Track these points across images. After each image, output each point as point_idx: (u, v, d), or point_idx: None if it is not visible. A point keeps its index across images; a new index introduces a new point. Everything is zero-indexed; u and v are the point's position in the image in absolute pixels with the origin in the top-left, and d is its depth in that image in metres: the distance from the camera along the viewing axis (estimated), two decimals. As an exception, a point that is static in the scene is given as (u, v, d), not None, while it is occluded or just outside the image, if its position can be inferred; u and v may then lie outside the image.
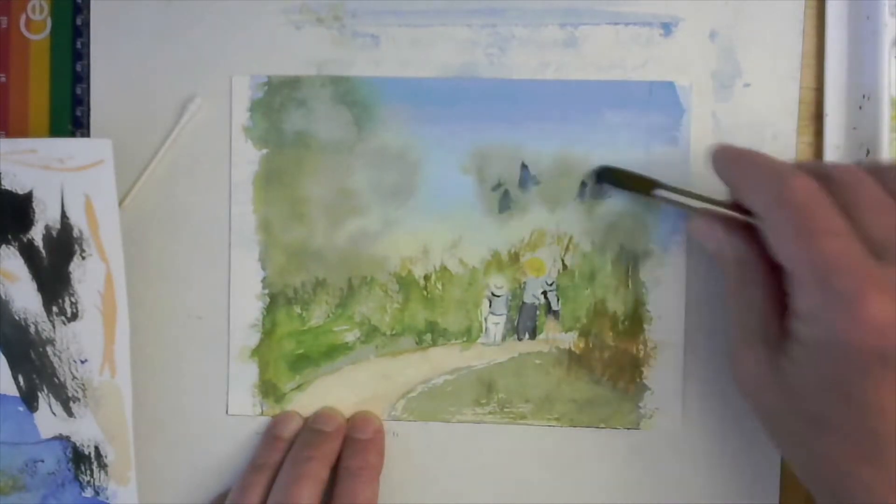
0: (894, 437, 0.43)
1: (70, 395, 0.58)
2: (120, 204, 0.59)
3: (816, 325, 0.44)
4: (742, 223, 0.51)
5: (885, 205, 0.46)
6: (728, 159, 0.51)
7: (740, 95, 0.58)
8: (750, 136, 0.58)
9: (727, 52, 0.58)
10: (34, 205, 0.58)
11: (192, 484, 0.60)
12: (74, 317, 0.58)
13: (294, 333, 0.60)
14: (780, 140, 0.58)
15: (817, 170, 0.48)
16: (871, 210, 0.46)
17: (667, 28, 0.58)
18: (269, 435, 0.59)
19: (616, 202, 0.58)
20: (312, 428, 0.59)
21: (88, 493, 0.59)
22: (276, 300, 0.60)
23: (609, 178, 0.58)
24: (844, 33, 0.57)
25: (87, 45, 0.59)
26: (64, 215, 0.58)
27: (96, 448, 0.59)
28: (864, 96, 0.56)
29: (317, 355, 0.60)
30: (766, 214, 0.47)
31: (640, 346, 0.58)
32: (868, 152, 0.56)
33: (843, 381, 0.44)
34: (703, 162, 0.56)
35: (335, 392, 0.60)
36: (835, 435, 0.45)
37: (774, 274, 0.49)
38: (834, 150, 0.57)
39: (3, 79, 0.60)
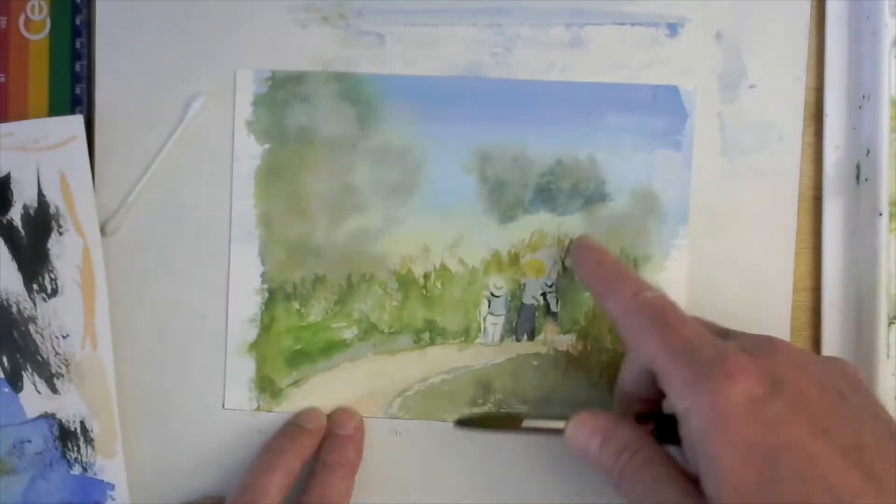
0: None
1: (53, 371, 0.59)
2: (125, 199, 0.59)
3: (697, 398, 0.45)
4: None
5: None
6: (589, 266, 0.55)
7: (746, 97, 0.58)
8: (755, 138, 0.58)
9: (733, 53, 0.58)
10: (12, 186, 0.59)
11: (187, 477, 0.60)
12: (54, 293, 0.59)
13: (292, 329, 0.60)
14: (786, 141, 0.58)
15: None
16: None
17: (673, 29, 0.58)
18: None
19: (617, 204, 0.58)
20: (294, 422, 0.59)
21: (76, 470, 0.59)
22: (275, 295, 0.60)
23: (472, 424, 0.58)
24: (844, 33, 0.57)
25: (86, 44, 0.60)
26: (41, 193, 0.58)
27: (82, 423, 0.59)
28: (864, 96, 0.56)
29: (314, 352, 0.60)
30: (625, 317, 0.51)
31: (638, 350, 0.58)
32: (868, 152, 0.56)
33: (748, 440, 0.43)
34: (706, 167, 0.57)
35: (332, 389, 0.60)
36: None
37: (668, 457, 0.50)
38: (834, 150, 0.57)
39: (3, 78, 0.60)
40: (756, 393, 0.44)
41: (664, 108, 0.58)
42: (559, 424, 0.52)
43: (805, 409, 0.44)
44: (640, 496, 0.49)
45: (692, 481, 0.46)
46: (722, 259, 0.58)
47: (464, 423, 0.57)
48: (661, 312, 0.49)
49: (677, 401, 0.46)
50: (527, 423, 0.55)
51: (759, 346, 0.47)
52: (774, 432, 0.43)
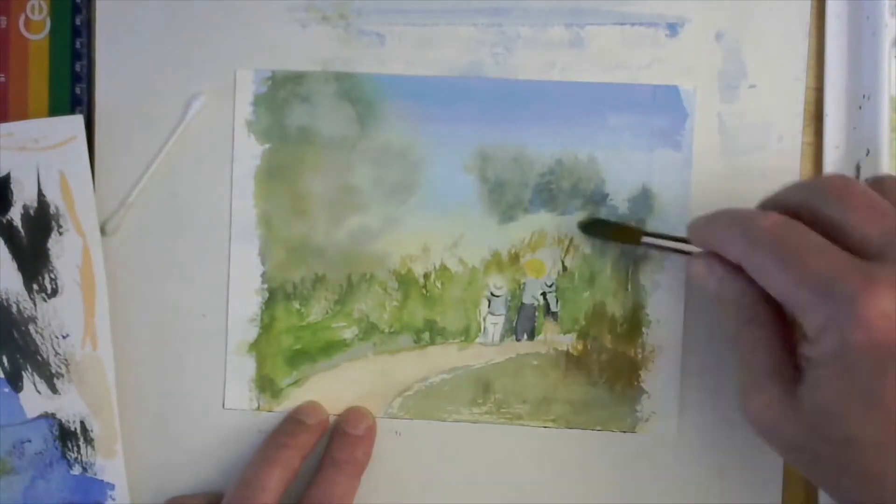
0: None
1: (53, 371, 0.59)
2: (125, 199, 0.59)
3: (826, 341, 0.43)
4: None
5: (878, 206, 0.46)
6: (699, 229, 0.52)
7: (746, 97, 0.58)
8: (755, 138, 0.57)
9: (733, 53, 0.58)
10: (12, 186, 0.59)
11: (187, 477, 0.60)
12: (54, 293, 0.59)
13: (292, 329, 0.60)
14: (786, 142, 0.57)
15: (789, 197, 0.49)
16: (862, 211, 0.46)
17: (672, 29, 0.58)
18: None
19: (617, 204, 0.58)
20: (293, 417, 0.59)
21: (76, 470, 0.59)
22: (275, 295, 0.60)
23: (595, 230, 0.58)
24: (844, 33, 0.57)
25: (86, 44, 0.60)
26: (41, 193, 0.59)
27: (82, 423, 0.59)
28: (864, 96, 0.56)
29: (314, 351, 0.60)
30: (746, 262, 0.48)
31: (639, 350, 0.58)
32: (868, 152, 0.55)
33: (864, 389, 0.42)
34: (706, 167, 0.57)
35: (332, 388, 0.60)
36: (869, 450, 0.43)
37: (777, 311, 0.49)
38: (834, 150, 0.57)
39: (3, 78, 0.60)
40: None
41: (664, 107, 0.58)
42: (679, 246, 0.54)
43: None
44: (740, 350, 0.50)
45: (790, 360, 0.47)
46: (722, 259, 0.58)
47: (588, 227, 0.58)
48: (781, 243, 0.46)
49: (812, 340, 0.45)
50: (645, 240, 0.56)
51: None
52: None
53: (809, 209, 0.47)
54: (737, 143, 0.57)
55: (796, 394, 0.46)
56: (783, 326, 0.49)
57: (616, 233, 0.58)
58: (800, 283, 0.44)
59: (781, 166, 0.57)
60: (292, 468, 0.57)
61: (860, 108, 0.56)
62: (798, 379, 0.46)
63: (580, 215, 0.58)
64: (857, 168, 0.56)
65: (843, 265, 0.43)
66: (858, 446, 0.43)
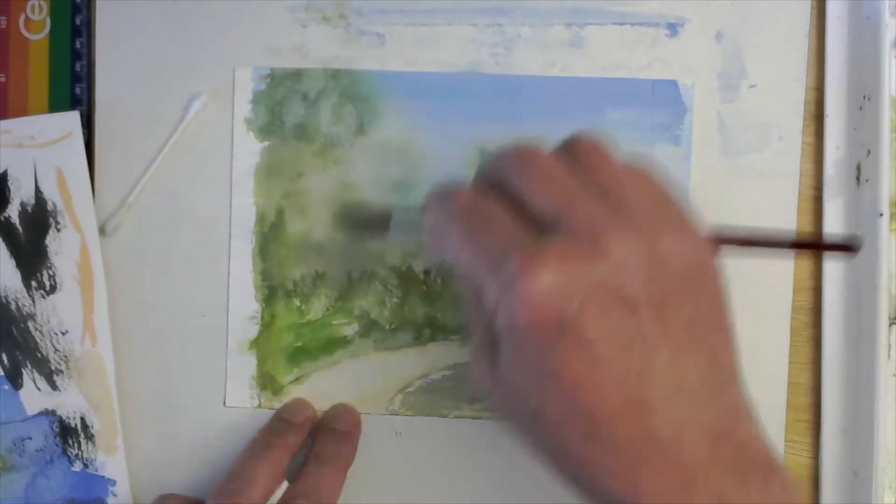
0: (600, 404, 0.42)
1: (53, 368, 0.59)
2: (125, 199, 0.59)
3: (499, 319, 0.43)
4: None
5: (554, 177, 0.45)
6: (424, 203, 0.50)
7: (746, 96, 0.58)
8: (755, 138, 0.58)
9: (733, 53, 0.58)
10: (9, 183, 0.59)
11: (189, 474, 0.60)
12: (53, 289, 0.59)
13: (293, 326, 0.60)
14: (786, 141, 0.58)
15: (489, 169, 0.49)
16: (537, 184, 0.45)
17: (673, 28, 0.58)
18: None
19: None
20: (280, 416, 0.59)
21: (77, 466, 0.59)
22: (275, 293, 0.60)
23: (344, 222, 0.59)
24: (845, 33, 0.57)
25: (86, 44, 0.60)
26: (38, 190, 0.59)
27: (82, 419, 0.59)
28: (864, 96, 0.56)
29: (315, 349, 0.60)
30: (443, 241, 0.47)
31: (639, 345, 0.58)
32: (868, 152, 0.56)
33: (537, 366, 0.42)
34: (706, 166, 0.57)
35: (333, 386, 0.60)
36: (556, 424, 0.43)
37: None
38: (834, 151, 0.57)
39: (3, 78, 0.60)
40: (561, 319, 0.41)
41: (663, 102, 0.58)
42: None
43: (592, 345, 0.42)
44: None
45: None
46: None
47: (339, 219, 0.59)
48: (465, 220, 0.45)
49: (492, 315, 0.44)
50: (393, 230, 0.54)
51: (580, 243, 0.43)
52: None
53: (502, 179, 0.47)
54: (737, 142, 0.57)
55: (495, 366, 0.45)
56: None
57: (368, 224, 0.58)
58: (476, 262, 0.44)
59: (781, 166, 0.57)
60: (280, 465, 0.57)
61: (861, 108, 0.56)
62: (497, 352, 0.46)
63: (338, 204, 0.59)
64: (858, 168, 0.57)
65: (513, 242, 0.43)
66: (542, 421, 0.44)
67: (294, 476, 0.57)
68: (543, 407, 0.43)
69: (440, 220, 0.47)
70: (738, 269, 0.57)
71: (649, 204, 0.45)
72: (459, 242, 0.45)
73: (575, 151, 0.47)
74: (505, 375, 0.45)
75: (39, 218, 0.58)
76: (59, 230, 0.58)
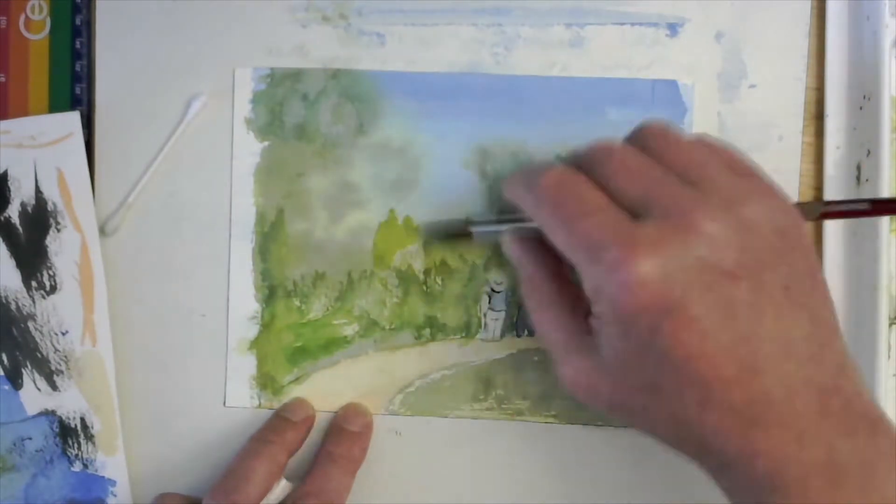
0: (713, 374, 0.43)
1: (53, 368, 0.59)
2: (125, 199, 0.59)
3: (602, 304, 0.45)
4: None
5: (635, 166, 0.47)
6: (507, 185, 0.53)
7: (746, 96, 0.58)
8: (755, 138, 0.58)
9: (733, 53, 0.58)
10: (9, 184, 0.59)
11: (189, 474, 0.60)
12: (53, 289, 0.59)
13: (293, 326, 0.60)
14: (786, 141, 0.58)
15: (577, 156, 0.50)
16: (621, 175, 0.47)
17: (673, 28, 0.58)
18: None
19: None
20: (279, 414, 0.59)
21: (77, 466, 0.59)
22: (275, 292, 0.60)
23: (433, 235, 0.59)
24: (845, 33, 0.57)
25: (86, 44, 0.60)
26: (38, 190, 0.59)
27: (82, 419, 0.59)
28: (864, 96, 0.56)
29: (315, 348, 0.60)
30: (535, 218, 0.49)
31: (639, 345, 0.58)
32: (869, 153, 0.56)
33: (648, 346, 0.44)
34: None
35: (333, 386, 0.60)
36: (672, 396, 0.45)
37: (565, 282, 0.52)
38: (834, 151, 0.57)
39: (3, 78, 0.60)
40: (668, 302, 0.43)
41: (663, 102, 0.58)
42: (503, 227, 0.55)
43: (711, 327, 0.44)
44: (540, 333, 0.52)
45: (584, 327, 0.49)
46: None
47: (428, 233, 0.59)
48: (558, 201, 0.47)
49: (593, 301, 0.46)
50: (476, 231, 0.57)
51: (672, 225, 0.44)
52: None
53: (586, 174, 0.48)
54: (737, 142, 0.56)
55: (599, 354, 0.47)
56: (571, 295, 0.51)
57: (449, 233, 0.59)
58: (574, 245, 0.46)
59: (781, 166, 0.57)
60: (278, 463, 0.57)
61: (861, 108, 0.56)
62: (596, 343, 0.48)
63: (422, 224, 0.60)
64: (858, 168, 0.57)
65: (611, 228, 0.45)
66: (658, 396, 0.45)
67: (303, 475, 0.57)
68: (658, 383, 0.45)
69: (531, 200, 0.49)
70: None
71: (727, 176, 0.47)
72: (554, 223, 0.47)
73: (646, 139, 0.49)
74: (611, 360, 0.47)
75: (39, 218, 0.59)
76: (59, 230, 0.59)
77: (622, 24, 0.58)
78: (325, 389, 0.60)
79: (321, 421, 0.60)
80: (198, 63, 0.59)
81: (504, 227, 0.54)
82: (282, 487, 0.57)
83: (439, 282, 0.59)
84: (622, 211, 0.46)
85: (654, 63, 0.58)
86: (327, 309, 0.60)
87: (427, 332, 0.60)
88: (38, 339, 0.59)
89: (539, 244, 0.51)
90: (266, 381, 0.60)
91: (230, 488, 0.55)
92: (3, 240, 0.58)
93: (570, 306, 0.51)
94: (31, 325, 0.59)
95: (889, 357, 0.56)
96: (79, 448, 0.59)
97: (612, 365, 0.47)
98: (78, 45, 0.60)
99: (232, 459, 0.57)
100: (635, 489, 0.59)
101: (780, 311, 0.44)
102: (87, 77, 0.60)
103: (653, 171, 0.47)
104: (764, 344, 0.44)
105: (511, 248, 0.54)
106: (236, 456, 0.57)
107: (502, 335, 0.59)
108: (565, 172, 0.48)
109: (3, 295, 0.59)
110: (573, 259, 0.46)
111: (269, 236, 0.60)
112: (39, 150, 0.58)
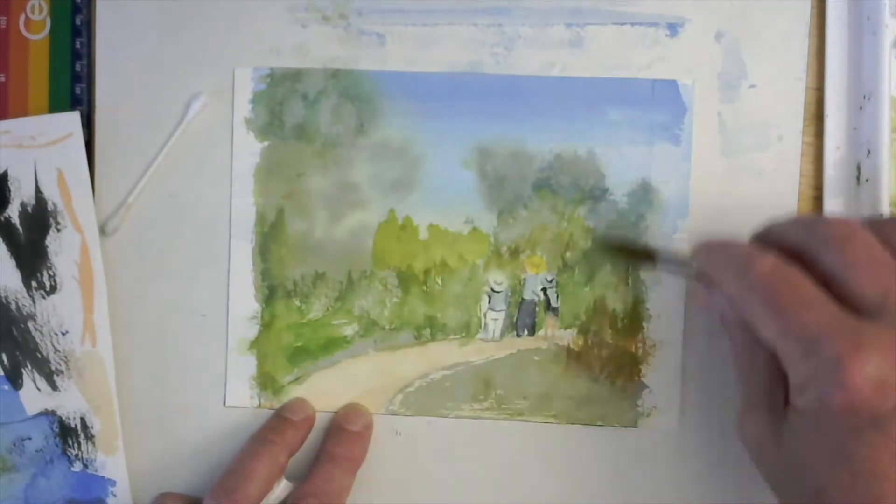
0: (891, 496, 0.42)
1: (53, 368, 0.59)
2: (125, 199, 0.59)
3: (808, 396, 0.44)
4: None
5: (879, 260, 0.45)
6: (700, 259, 0.51)
7: (746, 96, 0.58)
8: (755, 138, 0.58)
9: (733, 53, 0.58)
10: (10, 184, 0.59)
11: (189, 474, 0.60)
12: (53, 289, 0.59)
13: (293, 326, 0.60)
14: (786, 141, 0.58)
15: (789, 233, 0.48)
16: (862, 268, 0.44)
17: (673, 28, 0.58)
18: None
19: (616, 199, 0.58)
20: (280, 414, 0.59)
21: (77, 466, 0.59)
22: (275, 293, 0.60)
23: (611, 249, 0.59)
24: (845, 33, 0.57)
25: (86, 44, 0.60)
26: (38, 190, 0.59)
27: (82, 419, 0.59)
28: (864, 97, 0.56)
29: (315, 348, 0.60)
30: (741, 303, 0.47)
31: (639, 345, 0.58)
32: (868, 153, 0.56)
33: (839, 449, 0.43)
34: (706, 165, 0.57)
35: (333, 385, 0.60)
36: (834, 501, 0.43)
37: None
38: (834, 151, 0.57)
39: (3, 78, 0.60)
40: (879, 413, 0.42)
41: (663, 102, 0.58)
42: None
43: None
44: (739, 368, 0.50)
45: (783, 385, 0.47)
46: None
47: (606, 246, 0.59)
48: (774, 291, 0.45)
49: (795, 389, 0.45)
50: (662, 264, 0.56)
51: None
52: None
53: (808, 253, 0.46)
54: (737, 142, 0.57)
55: (782, 430, 0.46)
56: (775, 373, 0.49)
57: (633, 255, 0.58)
58: (787, 335, 0.44)
59: (781, 166, 0.57)
60: (277, 463, 0.57)
61: (861, 108, 0.56)
62: (787, 416, 0.46)
63: (600, 230, 0.59)
64: (858, 168, 0.57)
65: (832, 323, 0.43)
66: (821, 499, 0.44)
67: (304, 475, 0.57)
68: (826, 487, 0.43)
69: (740, 286, 0.46)
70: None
71: None
72: (766, 314, 0.45)
73: (889, 232, 0.46)
74: (791, 445, 0.45)
75: (40, 218, 0.59)
76: (59, 230, 0.59)
77: (622, 24, 0.58)
78: (325, 389, 0.60)
79: (321, 421, 0.60)
80: (198, 63, 0.59)
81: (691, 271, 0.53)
82: (282, 487, 0.57)
83: (439, 282, 0.59)
84: (847, 308, 0.44)
85: (654, 63, 0.58)
86: (327, 309, 0.60)
87: (427, 332, 0.60)
88: (38, 340, 0.59)
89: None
90: (266, 381, 0.60)
91: (230, 488, 0.55)
92: (3, 240, 0.58)
93: (776, 363, 0.47)
94: (31, 325, 0.59)
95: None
96: (79, 448, 0.59)
97: (787, 450, 0.46)
98: (78, 45, 0.60)
99: (232, 459, 0.57)
100: (635, 489, 0.59)
101: None
102: (87, 77, 0.60)
103: (894, 269, 0.44)
104: None
105: (707, 292, 0.51)
106: (236, 456, 0.57)
107: (502, 335, 0.59)
108: (781, 261, 0.46)
109: (3, 295, 0.59)
110: (783, 349, 0.45)
111: (269, 236, 0.60)
112: (39, 150, 0.58)
